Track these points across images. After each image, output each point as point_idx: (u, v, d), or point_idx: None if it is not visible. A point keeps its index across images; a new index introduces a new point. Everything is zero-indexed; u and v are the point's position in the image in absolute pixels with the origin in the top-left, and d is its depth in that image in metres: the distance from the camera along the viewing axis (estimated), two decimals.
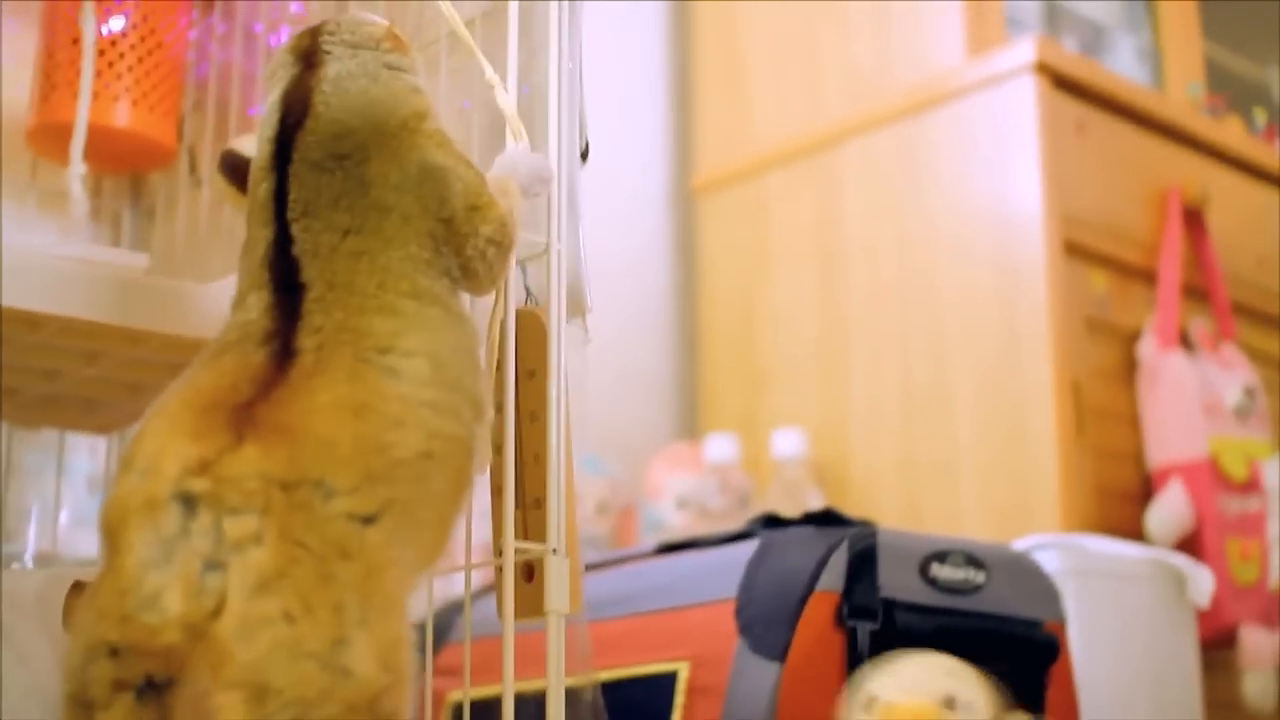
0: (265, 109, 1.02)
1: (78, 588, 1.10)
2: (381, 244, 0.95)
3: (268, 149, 1.00)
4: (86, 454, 1.76)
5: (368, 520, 0.84)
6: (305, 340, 0.90)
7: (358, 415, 0.87)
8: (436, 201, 0.98)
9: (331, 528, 0.82)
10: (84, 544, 1.71)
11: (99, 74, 1.42)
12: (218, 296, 1.20)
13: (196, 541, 0.80)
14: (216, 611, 0.78)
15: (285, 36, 1.45)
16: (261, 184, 0.99)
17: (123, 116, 1.43)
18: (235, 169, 1.18)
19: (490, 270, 1.01)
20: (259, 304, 0.94)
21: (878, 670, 1.16)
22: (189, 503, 0.81)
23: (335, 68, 1.01)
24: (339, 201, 0.96)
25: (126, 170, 1.59)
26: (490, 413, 1.01)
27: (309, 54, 1.02)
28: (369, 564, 0.83)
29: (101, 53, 1.43)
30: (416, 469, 0.89)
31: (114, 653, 0.80)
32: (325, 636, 0.80)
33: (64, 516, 1.71)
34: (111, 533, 0.83)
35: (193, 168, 1.52)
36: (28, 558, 1.64)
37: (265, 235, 0.97)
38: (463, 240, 0.98)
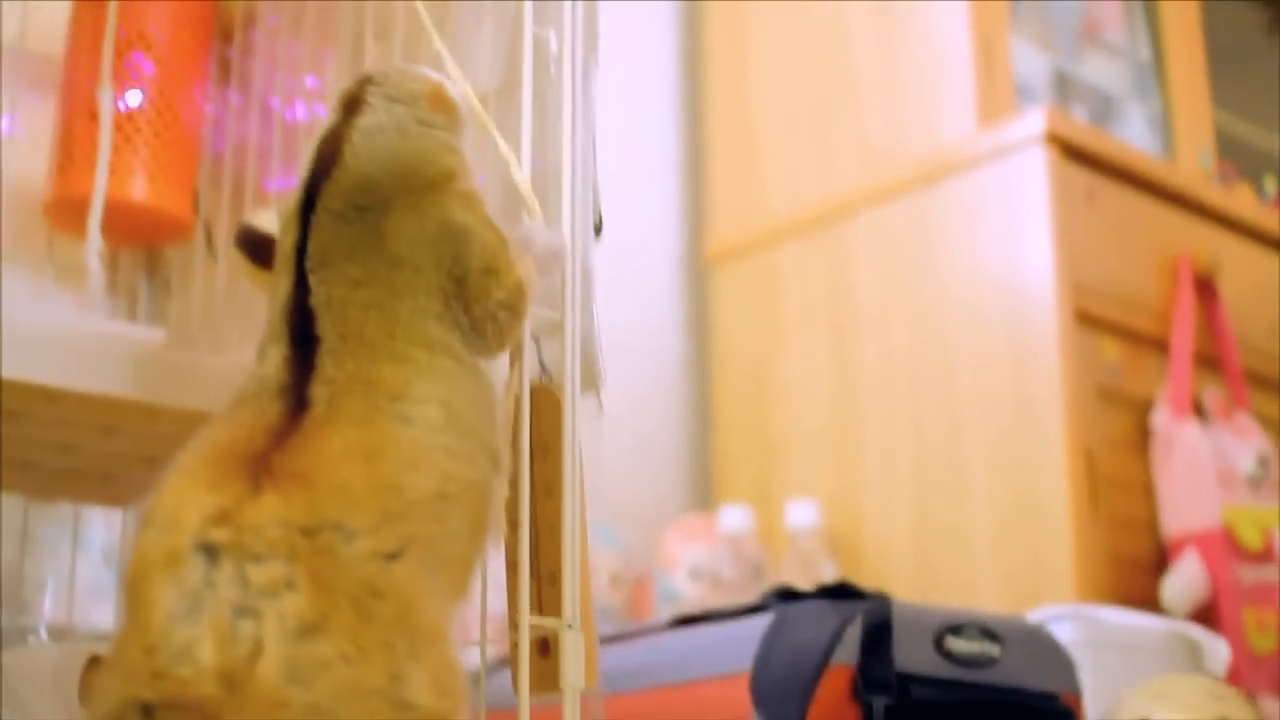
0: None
1: (94, 662, 1.10)
2: (391, 296, 0.95)
3: (298, 195, 1.00)
4: (102, 527, 1.76)
5: (391, 557, 0.84)
6: (318, 391, 0.90)
7: (370, 459, 0.87)
8: (450, 258, 0.98)
9: (358, 569, 0.83)
10: (99, 617, 1.71)
11: (116, 148, 1.43)
12: (234, 370, 1.21)
13: (223, 591, 0.80)
14: (252, 658, 0.78)
15: (301, 111, 1.46)
16: (288, 233, 0.99)
17: (139, 190, 1.44)
18: (251, 244, 1.18)
19: (499, 334, 1.01)
20: (276, 357, 0.94)
21: (1141, 694, 1.14)
22: (211, 553, 0.81)
23: (369, 119, 1.01)
24: (353, 253, 0.97)
25: (143, 244, 1.59)
26: (507, 464, 1.01)
27: (352, 102, 1.02)
28: (402, 600, 0.83)
29: (118, 127, 1.43)
30: (433, 509, 0.89)
31: (147, 712, 0.80)
32: (383, 673, 0.80)
33: (80, 589, 1.71)
34: (133, 589, 0.83)
35: (209, 241, 1.53)
36: (43, 631, 1.64)
37: (286, 285, 0.97)
38: (472, 300, 0.98)
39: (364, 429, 0.89)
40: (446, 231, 0.99)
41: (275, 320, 0.97)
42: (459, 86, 1.09)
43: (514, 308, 1.01)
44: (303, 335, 0.94)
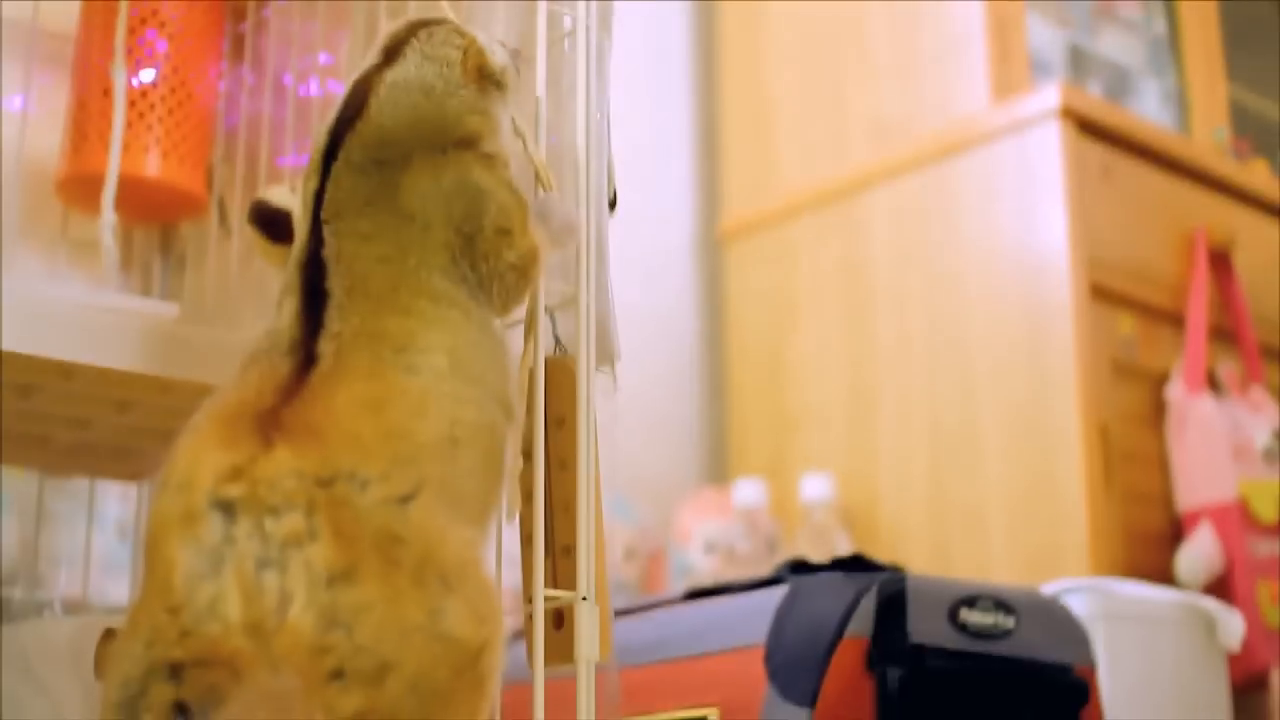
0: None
1: (109, 636, 1.11)
2: (398, 250, 0.96)
3: (323, 141, 1.01)
4: (117, 501, 1.76)
5: (405, 500, 0.85)
6: (324, 346, 0.91)
7: (377, 409, 0.88)
8: (462, 215, 0.98)
9: (375, 516, 0.83)
10: (115, 591, 1.71)
11: (129, 125, 1.43)
12: (248, 345, 1.21)
13: (243, 546, 0.81)
14: (281, 608, 0.80)
15: (315, 87, 1.46)
16: (310, 179, 1.00)
17: (153, 167, 1.44)
18: (265, 219, 1.19)
19: (505, 294, 1.01)
20: (289, 310, 0.95)
21: None
22: (228, 509, 0.82)
23: (399, 72, 1.01)
24: (366, 207, 0.97)
25: (157, 220, 1.59)
26: (520, 414, 1.01)
27: (391, 50, 1.03)
28: (424, 539, 0.84)
29: (132, 104, 1.44)
30: (443, 451, 0.89)
31: (175, 672, 0.81)
32: (421, 610, 0.82)
33: (95, 563, 1.72)
34: (151, 552, 0.84)
35: (223, 218, 1.53)
36: (58, 605, 1.65)
37: (302, 234, 0.98)
38: (480, 258, 0.99)
39: (370, 381, 0.89)
40: (462, 189, 0.99)
41: (291, 270, 0.98)
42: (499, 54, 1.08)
43: (524, 271, 1.01)
44: (314, 288, 0.95)
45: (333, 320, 0.93)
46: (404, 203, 0.97)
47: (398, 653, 0.81)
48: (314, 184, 0.99)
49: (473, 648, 0.84)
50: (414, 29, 1.04)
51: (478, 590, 0.86)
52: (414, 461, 0.87)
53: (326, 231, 0.97)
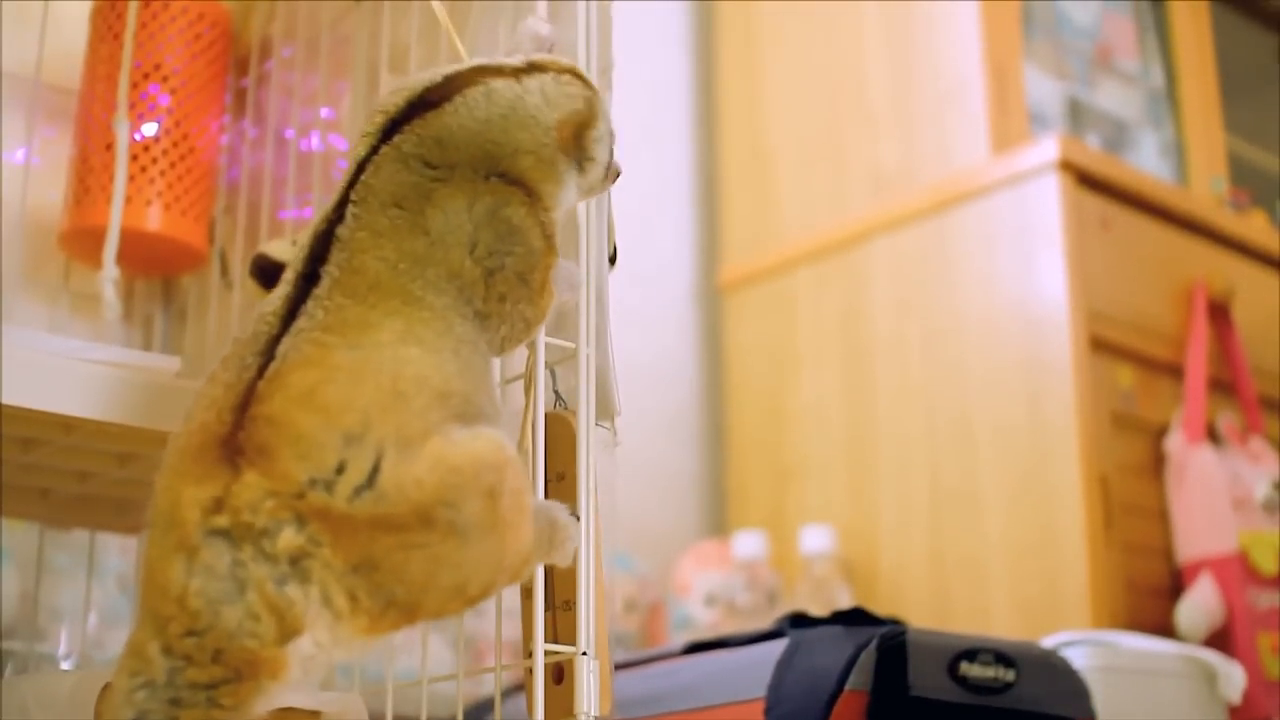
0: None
1: (109, 689, 1.11)
2: (399, 256, 0.95)
3: (391, 110, 1.00)
4: (117, 554, 1.76)
5: (372, 478, 0.86)
6: (282, 345, 0.91)
7: (311, 395, 0.88)
8: (486, 248, 0.98)
9: (357, 508, 0.85)
10: (115, 644, 1.71)
11: (132, 178, 1.44)
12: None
13: (253, 569, 0.83)
14: (325, 605, 0.84)
15: (316, 141, 1.47)
16: (359, 145, 1.00)
17: (155, 220, 1.45)
18: (266, 272, 1.19)
19: (506, 340, 1.01)
20: (280, 293, 0.96)
21: None
22: (224, 538, 0.83)
23: (508, 86, 1.00)
24: (392, 205, 0.97)
25: (159, 273, 1.60)
26: (492, 415, 0.98)
27: (526, 69, 1.02)
28: (407, 491, 0.86)
29: (134, 157, 1.44)
30: (389, 404, 0.89)
31: (209, 688, 0.83)
32: (440, 543, 0.87)
33: (94, 616, 1.72)
34: (150, 587, 0.85)
35: (224, 270, 1.54)
36: (59, 658, 1.65)
37: (330, 203, 0.98)
38: (496, 298, 0.98)
39: (306, 369, 0.89)
40: (494, 220, 0.98)
41: (304, 238, 0.98)
42: None
43: (531, 325, 1.02)
44: (312, 267, 0.95)
45: (302, 315, 0.93)
46: (428, 215, 0.97)
47: (477, 578, 0.88)
48: (361, 153, 0.99)
49: (523, 550, 0.92)
50: (564, 69, 1.03)
51: (474, 482, 0.88)
52: (365, 430, 0.87)
53: (349, 211, 0.97)
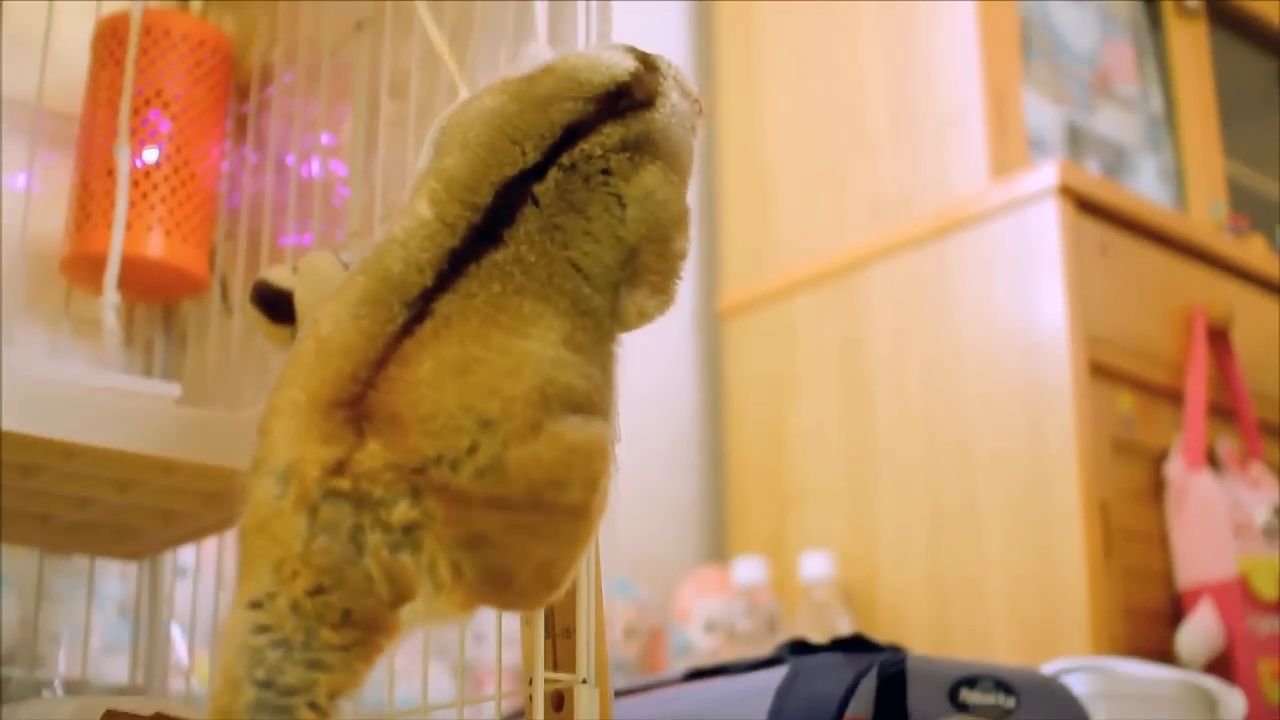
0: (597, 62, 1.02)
1: (109, 716, 1.11)
2: (590, 259, 0.96)
3: (594, 102, 0.99)
4: (117, 580, 1.76)
5: (498, 459, 0.86)
6: (446, 305, 0.91)
7: (464, 371, 0.88)
8: (654, 251, 1.00)
9: (476, 487, 0.86)
10: (114, 671, 1.71)
11: (133, 204, 1.44)
12: (249, 425, 1.21)
13: (369, 536, 0.84)
14: (432, 573, 0.85)
15: (316, 167, 1.47)
16: (565, 105, 0.99)
17: (156, 246, 1.45)
18: (267, 299, 1.19)
19: (634, 317, 1.01)
20: (432, 230, 0.94)
21: None
22: (344, 500, 0.84)
23: (674, 92, 1.04)
24: (572, 207, 0.96)
25: (159, 299, 1.60)
26: (611, 415, 0.98)
27: (646, 97, 1.02)
28: (529, 472, 0.87)
29: (135, 183, 1.45)
30: (533, 401, 0.89)
31: (345, 650, 0.84)
32: (542, 523, 0.88)
33: (94, 643, 1.71)
34: (252, 538, 0.86)
35: (224, 296, 1.54)
36: (57, 685, 1.64)
37: (521, 160, 0.97)
38: (638, 297, 1.00)
39: (466, 344, 0.89)
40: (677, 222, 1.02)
41: (476, 181, 0.96)
42: None
43: (653, 316, 1.03)
44: (485, 232, 0.94)
45: (472, 277, 0.92)
46: (627, 215, 0.98)
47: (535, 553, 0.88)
48: (570, 117, 0.98)
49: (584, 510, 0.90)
50: (657, 68, 1.05)
51: (583, 468, 0.89)
52: (504, 420, 0.87)
53: (554, 175, 0.96)
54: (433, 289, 0.92)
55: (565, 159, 0.97)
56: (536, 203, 0.95)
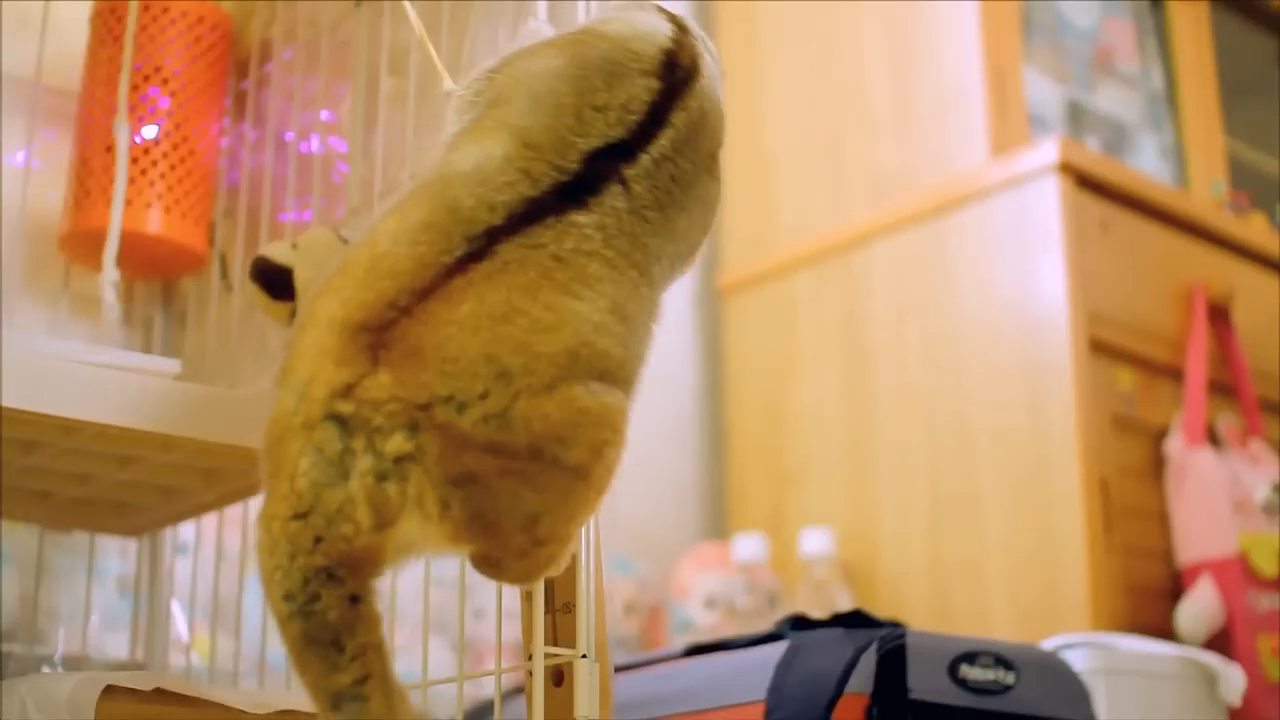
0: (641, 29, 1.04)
1: (110, 691, 1.11)
2: (663, 236, 0.99)
3: (656, 78, 1.01)
4: (117, 556, 1.76)
5: (505, 410, 0.87)
6: (511, 250, 0.92)
7: (501, 320, 0.89)
8: (701, 232, 1.05)
9: (478, 431, 0.87)
10: (114, 646, 1.71)
11: (132, 181, 1.44)
12: (249, 401, 1.21)
13: (360, 460, 0.85)
14: (417, 506, 0.86)
15: (316, 144, 1.47)
16: (647, 88, 1.00)
17: (155, 223, 1.45)
18: (267, 276, 1.19)
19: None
20: (516, 178, 0.95)
21: None
22: (343, 423, 0.86)
23: (710, 64, 1.06)
24: (681, 173, 1.00)
25: (158, 276, 1.60)
26: (636, 388, 1.00)
27: (689, 70, 1.03)
28: (532, 426, 0.88)
29: (135, 160, 1.44)
30: (561, 360, 0.90)
31: (330, 575, 0.85)
32: (542, 476, 0.90)
33: (94, 619, 1.72)
34: (275, 451, 0.88)
35: (224, 273, 1.54)
36: (58, 660, 1.65)
37: (604, 133, 0.98)
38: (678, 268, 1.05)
39: (514, 293, 0.90)
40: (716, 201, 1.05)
41: (564, 145, 0.97)
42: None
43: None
44: (568, 192, 0.95)
45: (546, 229, 0.93)
46: (696, 193, 1.02)
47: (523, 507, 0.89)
48: (647, 97, 1.00)
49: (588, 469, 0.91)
50: (689, 37, 1.07)
51: (591, 431, 0.90)
52: (523, 374, 0.88)
53: (628, 171, 0.98)
54: (500, 229, 0.92)
55: (654, 150, 0.99)
56: (625, 184, 0.97)
